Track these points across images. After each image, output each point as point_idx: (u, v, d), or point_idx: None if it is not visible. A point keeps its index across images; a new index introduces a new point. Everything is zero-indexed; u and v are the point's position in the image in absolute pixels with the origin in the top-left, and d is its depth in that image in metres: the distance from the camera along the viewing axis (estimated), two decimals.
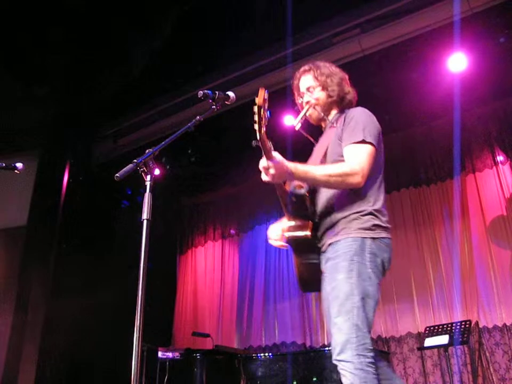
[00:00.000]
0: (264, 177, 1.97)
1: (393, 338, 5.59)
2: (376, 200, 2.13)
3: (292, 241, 2.17)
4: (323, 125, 2.41)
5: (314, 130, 2.47)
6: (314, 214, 2.16)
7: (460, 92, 4.85)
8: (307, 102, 2.34)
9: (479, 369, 4.98)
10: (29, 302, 5.30)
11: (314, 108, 2.33)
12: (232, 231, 7.12)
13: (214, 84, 5.16)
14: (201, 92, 2.13)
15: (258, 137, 1.87)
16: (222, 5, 4.59)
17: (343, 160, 2.09)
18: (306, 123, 2.40)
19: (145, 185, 1.79)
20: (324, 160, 2.19)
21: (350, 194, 2.10)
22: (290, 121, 5.15)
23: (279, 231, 2.30)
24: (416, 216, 5.90)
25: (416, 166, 6.05)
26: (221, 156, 6.21)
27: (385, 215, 2.13)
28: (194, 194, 7.42)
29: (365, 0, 4.60)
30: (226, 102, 2.26)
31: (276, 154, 1.93)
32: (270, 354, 4.31)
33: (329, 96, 2.31)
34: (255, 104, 1.82)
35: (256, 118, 1.84)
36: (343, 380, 1.86)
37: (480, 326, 5.09)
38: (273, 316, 6.43)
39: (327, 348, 3.97)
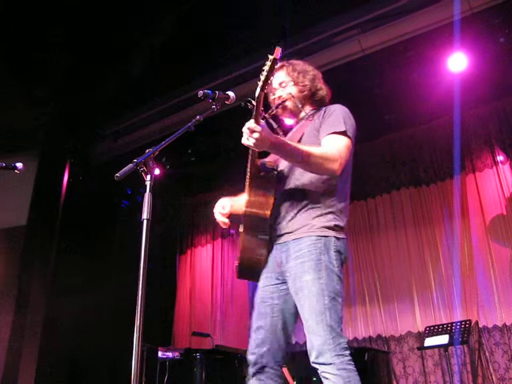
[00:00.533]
0: (245, 141, 1.87)
1: (393, 337, 5.59)
2: (341, 200, 2.11)
3: (248, 217, 2.08)
4: (295, 120, 2.38)
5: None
6: (277, 196, 2.11)
7: (460, 92, 4.85)
8: (279, 97, 2.33)
9: (479, 369, 4.99)
10: (29, 302, 5.30)
11: (290, 99, 2.30)
12: (232, 231, 7.11)
13: (214, 83, 5.15)
14: (201, 91, 2.12)
15: (257, 94, 1.83)
16: (222, 4, 4.59)
17: None
18: (276, 119, 2.38)
19: (145, 185, 1.78)
20: None
21: (318, 188, 2.08)
22: (289, 121, 5.15)
23: (228, 206, 2.25)
24: (416, 216, 5.90)
25: (416, 165, 6.06)
26: (221, 156, 6.21)
27: (347, 216, 2.13)
28: (194, 194, 7.42)
29: (365, 0, 4.60)
30: (226, 102, 2.25)
31: (263, 122, 1.90)
32: None
33: (300, 90, 2.30)
34: (272, 58, 1.80)
35: (265, 72, 1.82)
36: (326, 382, 1.82)
37: (480, 325, 5.09)
38: None
39: None
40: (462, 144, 5.47)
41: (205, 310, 6.93)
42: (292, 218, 2.08)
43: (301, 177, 2.11)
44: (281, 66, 2.36)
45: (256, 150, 1.95)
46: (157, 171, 5.71)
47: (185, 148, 6.10)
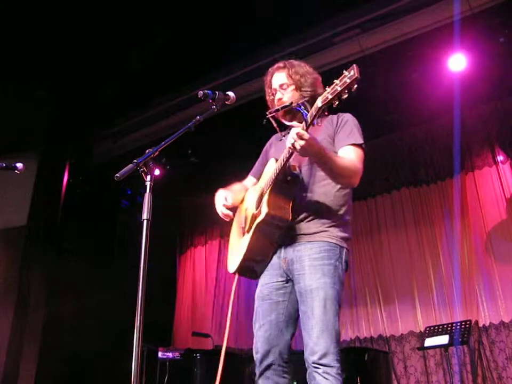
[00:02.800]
0: (289, 144, 1.87)
1: (393, 337, 5.59)
2: (350, 213, 2.18)
3: (270, 218, 2.04)
4: (292, 122, 2.32)
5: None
6: (296, 200, 2.10)
7: (460, 92, 4.86)
8: (279, 99, 2.29)
9: (479, 369, 4.98)
10: (29, 302, 5.30)
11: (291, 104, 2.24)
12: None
13: (214, 83, 5.15)
14: (201, 91, 2.12)
15: (320, 105, 1.78)
16: (222, 4, 4.58)
17: None
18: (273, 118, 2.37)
19: (145, 185, 1.78)
20: None
21: (335, 198, 2.13)
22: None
23: (230, 197, 2.25)
24: (417, 216, 5.90)
25: (416, 165, 6.06)
26: (221, 156, 6.21)
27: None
28: (194, 194, 7.42)
29: (365, 0, 4.60)
30: (226, 102, 2.26)
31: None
32: None
33: (302, 96, 2.25)
34: (355, 77, 1.74)
35: (339, 87, 1.72)
36: (325, 382, 1.86)
37: (480, 325, 5.09)
38: None
39: None
40: (462, 144, 5.47)
41: (205, 310, 6.93)
42: (309, 221, 2.09)
43: (320, 186, 2.13)
44: (283, 67, 2.32)
45: (300, 155, 1.94)
46: (157, 171, 5.72)
47: (185, 148, 6.09)
